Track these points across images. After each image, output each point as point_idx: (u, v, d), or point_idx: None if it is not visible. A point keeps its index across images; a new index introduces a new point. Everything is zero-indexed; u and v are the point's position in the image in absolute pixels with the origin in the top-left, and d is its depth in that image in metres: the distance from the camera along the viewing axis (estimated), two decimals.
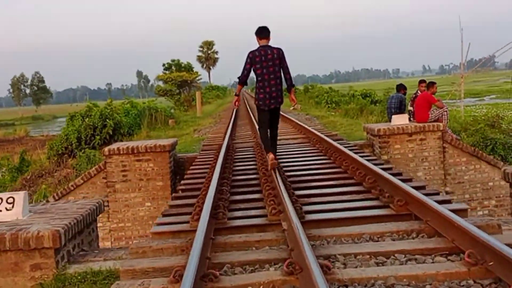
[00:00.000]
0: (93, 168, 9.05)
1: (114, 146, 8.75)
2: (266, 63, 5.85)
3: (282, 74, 5.99)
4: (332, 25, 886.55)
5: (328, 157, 7.36)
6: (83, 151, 16.41)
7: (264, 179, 5.52)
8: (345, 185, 5.37)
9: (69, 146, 16.53)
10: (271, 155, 5.82)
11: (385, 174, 4.85)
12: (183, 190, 5.89)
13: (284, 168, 6.45)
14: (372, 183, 4.94)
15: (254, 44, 6.13)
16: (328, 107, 24.70)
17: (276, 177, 5.29)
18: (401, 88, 10.21)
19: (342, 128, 12.71)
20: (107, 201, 8.75)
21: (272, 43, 6.04)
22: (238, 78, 6.11)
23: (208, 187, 5.11)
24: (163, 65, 41.32)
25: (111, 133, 16.35)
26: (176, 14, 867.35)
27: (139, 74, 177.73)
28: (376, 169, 5.16)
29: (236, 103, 6.44)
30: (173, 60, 41.52)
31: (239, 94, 6.56)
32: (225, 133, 11.30)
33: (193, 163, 7.97)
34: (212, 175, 5.66)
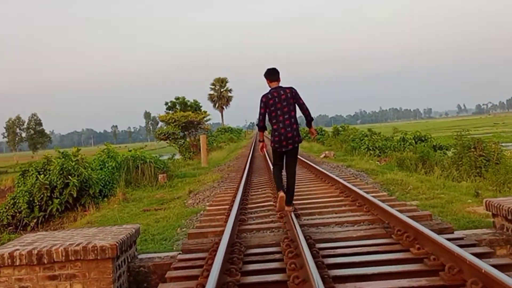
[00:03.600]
0: None
1: (6, 248, 4.82)
2: (280, 104, 6.06)
3: (296, 112, 6.14)
4: (355, 60, 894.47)
5: None
6: (37, 220, 12.74)
7: None
8: None
9: (17, 214, 12.78)
10: (281, 193, 6.20)
11: None
12: None
13: None
14: None
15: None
16: (370, 154, 20.67)
17: None
18: None
19: (421, 194, 8.65)
20: None
21: (289, 80, 5.15)
22: (257, 125, 6.47)
23: None
24: (166, 103, 37.75)
25: (75, 195, 12.55)
26: (188, 52, 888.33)
27: (147, 115, 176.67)
28: None
29: (263, 149, 6.53)
30: (177, 98, 37.77)
31: (263, 139, 6.52)
32: (231, 206, 7.37)
33: None
34: None
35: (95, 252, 4.63)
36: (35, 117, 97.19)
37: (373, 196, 7.22)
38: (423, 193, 8.72)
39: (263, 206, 7.84)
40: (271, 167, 12.08)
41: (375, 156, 20.40)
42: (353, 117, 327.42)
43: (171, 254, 5.56)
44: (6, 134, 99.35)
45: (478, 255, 3.97)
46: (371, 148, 21.22)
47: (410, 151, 17.20)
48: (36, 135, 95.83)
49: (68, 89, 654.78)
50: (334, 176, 10.04)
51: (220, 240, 5.03)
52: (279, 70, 6.30)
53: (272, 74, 6.24)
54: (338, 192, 8.61)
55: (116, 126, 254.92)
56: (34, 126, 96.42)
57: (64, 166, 12.73)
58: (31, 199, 12.64)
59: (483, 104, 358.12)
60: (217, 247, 4.74)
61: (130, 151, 17.16)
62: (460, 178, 12.32)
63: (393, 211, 5.85)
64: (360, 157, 19.43)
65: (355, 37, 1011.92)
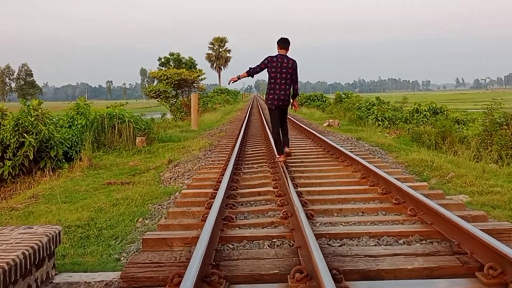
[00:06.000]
0: None
1: None
2: (281, 69, 6.91)
3: (291, 81, 7.01)
4: (357, 29, 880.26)
5: None
6: None
7: None
8: None
9: None
10: (281, 158, 7.05)
11: None
12: None
13: None
14: None
15: (270, 48, 7.45)
16: (379, 125, 18.49)
17: None
18: None
19: (468, 185, 6.49)
20: None
21: (291, 47, 6.98)
22: (250, 68, 7.03)
23: None
24: (159, 59, 35.02)
25: (31, 157, 10.35)
26: (187, 10, 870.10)
27: (143, 72, 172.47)
28: None
29: (231, 80, 7.28)
30: (171, 54, 35.05)
31: (240, 77, 7.19)
32: (215, 191, 5.24)
33: None
34: None
35: None
36: (25, 67, 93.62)
37: (413, 189, 5.07)
38: (470, 183, 6.57)
39: (259, 193, 5.70)
40: (269, 134, 10.08)
41: (384, 127, 18.24)
42: (352, 85, 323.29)
43: (109, 276, 3.45)
44: None
45: None
46: (380, 118, 19.02)
47: (428, 125, 15.02)
48: (26, 86, 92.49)
49: (65, 42, 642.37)
50: (349, 153, 7.87)
51: (188, 263, 2.94)
52: (290, 41, 7.07)
53: (283, 43, 7.04)
54: (359, 176, 6.47)
55: (111, 81, 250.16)
56: (24, 77, 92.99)
57: (20, 121, 10.48)
58: None
59: (481, 79, 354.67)
60: (179, 282, 2.66)
61: (108, 107, 14.87)
62: (498, 162, 10.25)
63: (459, 220, 3.74)
64: (368, 128, 17.26)
65: (357, 2, 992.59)
